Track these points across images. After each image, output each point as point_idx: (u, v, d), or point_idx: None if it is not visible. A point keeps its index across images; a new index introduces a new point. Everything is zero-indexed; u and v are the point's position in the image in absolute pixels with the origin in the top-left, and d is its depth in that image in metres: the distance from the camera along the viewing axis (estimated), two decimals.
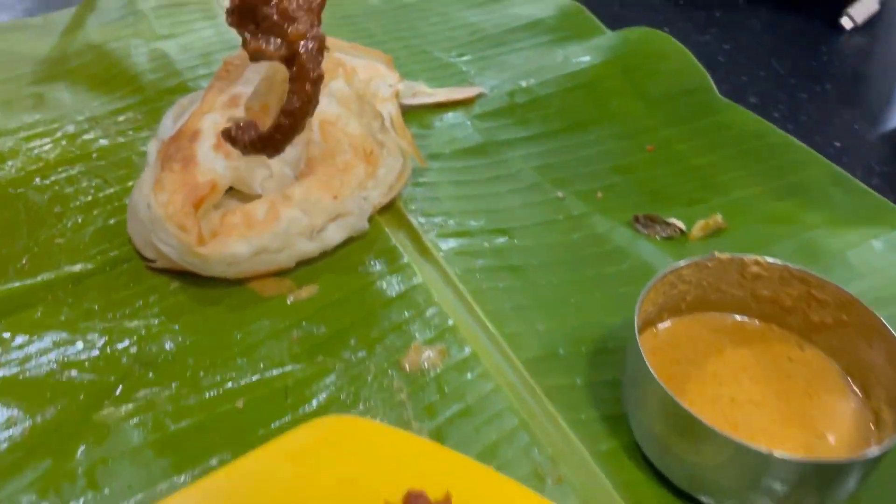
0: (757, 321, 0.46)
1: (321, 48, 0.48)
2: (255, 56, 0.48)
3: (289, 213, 0.51)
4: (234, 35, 0.55)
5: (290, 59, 0.47)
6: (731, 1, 0.88)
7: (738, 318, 0.47)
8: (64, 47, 0.72)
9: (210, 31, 0.76)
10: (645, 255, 0.54)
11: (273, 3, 0.47)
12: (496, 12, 0.82)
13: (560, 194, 0.59)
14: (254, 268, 0.50)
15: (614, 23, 0.79)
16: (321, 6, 0.49)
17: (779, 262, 0.45)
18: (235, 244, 0.49)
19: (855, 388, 0.43)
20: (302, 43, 0.46)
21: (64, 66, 0.70)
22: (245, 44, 0.48)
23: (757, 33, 0.83)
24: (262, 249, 0.50)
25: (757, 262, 0.45)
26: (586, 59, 0.72)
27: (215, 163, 0.52)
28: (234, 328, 0.48)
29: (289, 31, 0.46)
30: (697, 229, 0.56)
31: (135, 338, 0.47)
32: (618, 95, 0.68)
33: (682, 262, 0.44)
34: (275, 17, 0.46)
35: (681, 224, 0.56)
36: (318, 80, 0.47)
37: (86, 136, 0.62)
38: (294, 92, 0.47)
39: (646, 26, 0.77)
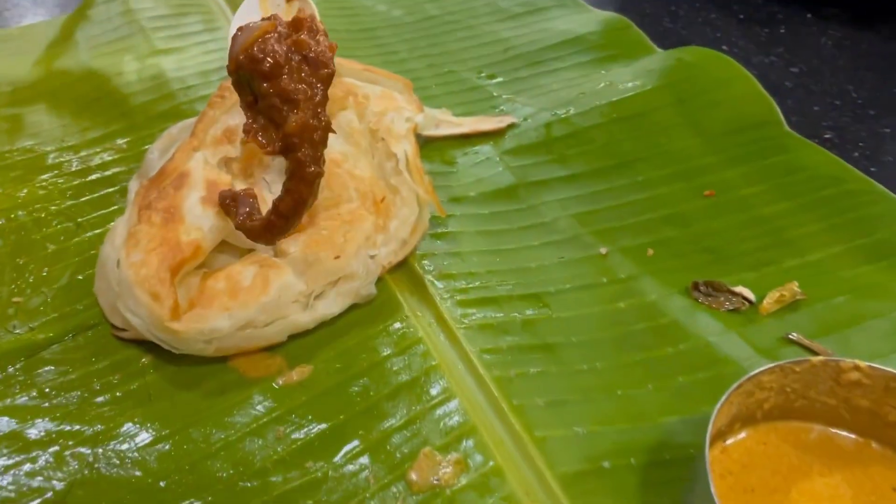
0: (851, 435, 0.37)
1: (324, 139, 0.40)
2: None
3: (281, 279, 0.43)
4: None
5: (286, 152, 0.40)
6: (798, 14, 0.78)
7: (826, 429, 0.38)
8: (48, 63, 0.65)
9: (212, 45, 0.68)
10: (707, 332, 0.45)
11: (274, 79, 0.39)
12: (531, 26, 0.73)
13: (603, 250, 0.50)
14: (237, 344, 0.42)
15: (664, 40, 0.69)
16: (329, 79, 0.40)
17: (886, 368, 0.36)
18: (215, 318, 0.41)
19: None
20: (300, 137, 0.39)
21: (46, 86, 0.62)
22: (244, 130, 0.41)
23: (829, 54, 0.73)
24: (248, 324, 0.42)
25: (857, 368, 0.36)
26: (634, 84, 0.62)
27: (203, 220, 0.44)
28: (209, 421, 0.40)
29: (288, 119, 0.39)
30: (770, 302, 0.46)
31: (90, 432, 0.39)
32: (671, 129, 0.59)
33: (762, 368, 0.35)
34: (274, 98, 0.39)
35: (749, 294, 0.47)
36: (315, 179, 0.40)
37: (62, 170, 0.55)
38: (288, 190, 0.40)
39: (700, 45, 0.67)
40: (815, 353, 0.44)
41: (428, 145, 0.58)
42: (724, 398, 0.34)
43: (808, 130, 0.61)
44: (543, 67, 0.68)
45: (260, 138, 0.39)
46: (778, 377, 0.36)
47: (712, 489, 0.31)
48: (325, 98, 0.40)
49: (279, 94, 0.39)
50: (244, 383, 0.42)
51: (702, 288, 0.47)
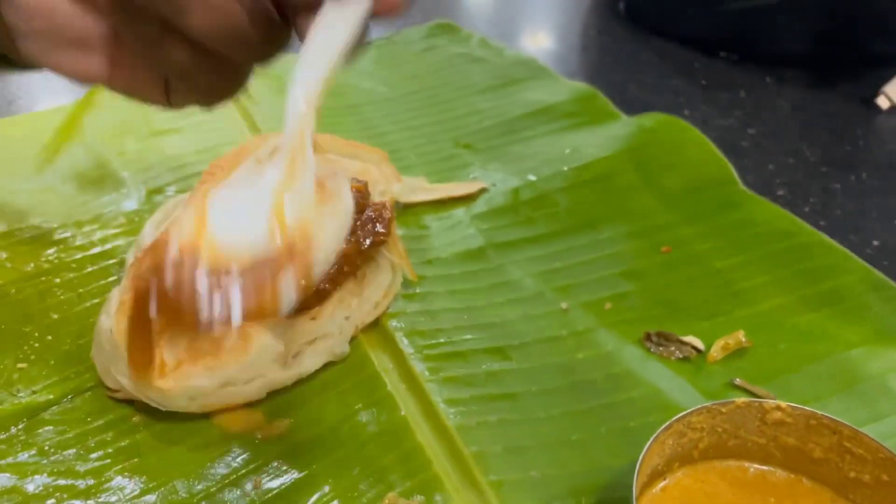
0: (783, 472, 0.40)
1: (344, 276, 0.50)
2: None
3: (260, 341, 0.47)
4: (232, 131, 0.53)
5: None
6: (758, 80, 0.83)
7: (760, 468, 0.40)
8: (56, 146, 0.70)
9: (206, 126, 0.73)
10: (657, 380, 0.48)
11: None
12: (506, 97, 0.78)
13: (564, 305, 0.54)
14: (220, 401, 0.46)
15: (631, 107, 0.74)
16: (380, 245, 0.51)
17: (804, 407, 0.39)
18: (198, 376, 0.45)
19: None
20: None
21: (54, 167, 0.68)
22: None
23: (785, 115, 0.77)
24: (229, 382, 0.46)
25: (779, 408, 0.39)
26: (598, 149, 0.67)
27: None
28: (192, 474, 0.43)
29: None
30: (717, 349, 0.50)
31: (84, 486, 0.42)
32: (631, 190, 0.63)
33: (691, 410, 0.39)
34: None
35: (698, 343, 0.50)
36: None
37: (67, 244, 0.60)
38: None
39: (664, 111, 0.72)
40: (757, 396, 0.47)
41: (404, 212, 0.63)
42: (654, 437, 0.37)
43: (763, 188, 0.65)
44: (515, 136, 0.72)
45: None
46: (707, 418, 0.39)
47: None
48: (368, 255, 0.51)
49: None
50: (226, 438, 0.45)
51: (653, 338, 0.51)
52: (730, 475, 0.40)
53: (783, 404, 0.39)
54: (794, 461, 0.40)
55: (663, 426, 0.37)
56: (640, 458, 0.36)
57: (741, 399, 0.39)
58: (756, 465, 0.40)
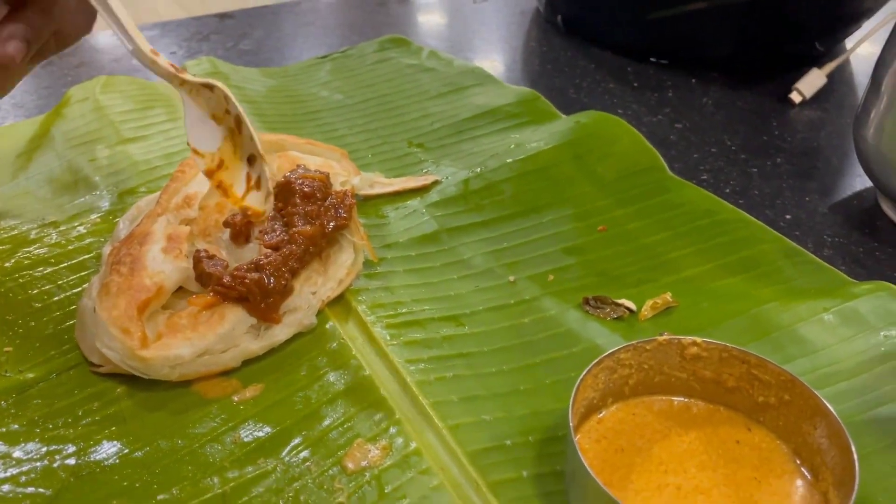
0: (703, 403, 0.46)
1: (308, 258, 0.56)
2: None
3: (235, 314, 0.51)
4: None
5: (278, 248, 0.54)
6: (684, 82, 0.90)
7: (684, 400, 0.46)
8: (29, 154, 0.74)
9: (174, 133, 0.78)
10: (595, 337, 0.54)
11: (308, 201, 0.57)
12: (455, 102, 0.84)
13: (511, 278, 0.59)
14: (197, 369, 0.50)
15: (569, 109, 0.81)
16: (342, 228, 0.58)
17: (716, 342, 0.45)
18: (178, 347, 0.49)
19: (804, 470, 0.42)
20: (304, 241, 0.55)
21: (27, 174, 0.71)
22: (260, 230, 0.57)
23: (709, 111, 0.84)
24: (206, 351, 0.50)
25: (695, 343, 0.45)
26: (539, 144, 0.73)
27: (163, 265, 0.52)
28: (175, 434, 0.47)
29: (302, 228, 0.55)
30: (647, 309, 0.55)
31: (73, 449, 0.46)
32: (570, 179, 0.69)
33: (619, 347, 0.44)
34: (301, 210, 0.56)
35: (630, 304, 0.56)
36: (284, 274, 0.53)
37: (44, 242, 0.63)
38: (268, 271, 0.52)
39: (600, 110, 0.78)
40: None
41: (364, 203, 0.68)
42: (587, 370, 0.42)
43: (688, 174, 0.72)
44: (464, 136, 0.78)
45: (267, 235, 0.55)
46: (634, 354, 0.44)
47: (575, 442, 0.39)
48: (331, 237, 0.57)
49: (306, 212, 0.56)
50: (205, 402, 0.49)
51: (591, 302, 0.56)
52: (657, 408, 0.46)
53: (699, 340, 0.45)
54: (712, 392, 0.45)
55: (594, 361, 0.43)
56: (575, 388, 0.41)
57: (662, 337, 0.45)
58: (679, 398, 0.46)
